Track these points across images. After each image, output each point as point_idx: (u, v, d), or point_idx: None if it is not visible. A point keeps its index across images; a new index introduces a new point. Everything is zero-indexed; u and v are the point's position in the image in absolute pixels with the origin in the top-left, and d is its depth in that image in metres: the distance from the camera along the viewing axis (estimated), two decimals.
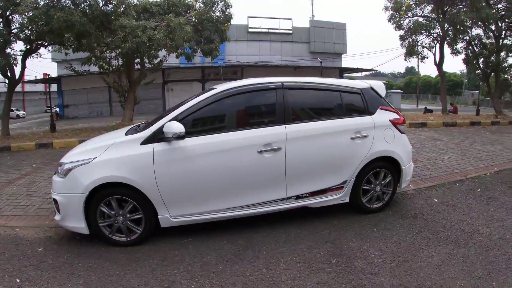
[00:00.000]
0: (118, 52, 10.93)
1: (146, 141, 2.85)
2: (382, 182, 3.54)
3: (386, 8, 14.87)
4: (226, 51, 25.02)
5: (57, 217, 2.99)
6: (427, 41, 15.17)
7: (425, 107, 20.41)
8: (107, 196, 2.82)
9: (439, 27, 14.13)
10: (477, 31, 14.09)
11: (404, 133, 3.68)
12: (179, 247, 2.92)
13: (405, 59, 15.63)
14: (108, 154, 2.84)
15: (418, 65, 36.99)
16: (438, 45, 14.73)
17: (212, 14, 11.78)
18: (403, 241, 2.95)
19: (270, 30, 28.17)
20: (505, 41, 13.67)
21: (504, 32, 13.47)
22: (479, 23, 12.84)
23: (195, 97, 3.08)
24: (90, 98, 25.54)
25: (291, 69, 24.95)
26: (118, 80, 12.21)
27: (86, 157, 2.86)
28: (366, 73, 29.34)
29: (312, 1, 34.07)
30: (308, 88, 3.36)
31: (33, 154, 7.77)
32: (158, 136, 2.83)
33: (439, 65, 14.89)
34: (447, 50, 14.72)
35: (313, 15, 32.94)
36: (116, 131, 4.18)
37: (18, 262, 2.74)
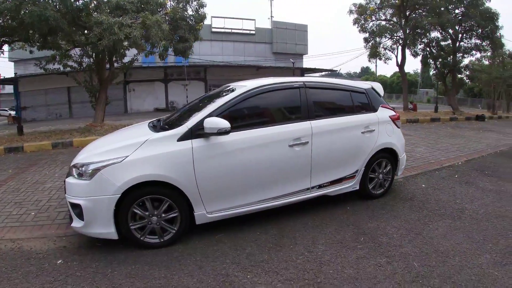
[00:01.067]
0: (88, 49, 10.36)
1: (183, 138, 2.82)
2: (384, 171, 3.99)
3: (350, 11, 15.81)
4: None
5: (76, 224, 2.74)
6: (389, 43, 16.38)
7: None
8: (142, 196, 2.70)
9: (401, 31, 15.30)
10: (434, 33, 15.52)
11: (399, 128, 4.16)
12: (215, 242, 2.93)
13: (369, 61, 16.75)
14: (142, 152, 2.72)
15: (376, 66, 39.45)
16: (400, 47, 15.96)
17: (185, 13, 11.65)
18: (410, 219, 3.41)
19: (233, 30, 28.13)
20: (461, 43, 15.18)
21: (460, 35, 14.97)
22: (438, 27, 14.16)
23: (225, 95, 3.16)
24: (48, 99, 23.42)
25: (253, 69, 25.08)
26: (89, 79, 11.55)
27: (115, 156, 2.70)
28: (324, 73, 30.55)
29: (271, 2, 34.51)
30: (325, 88, 3.68)
31: (3, 159, 7.07)
32: (196, 132, 2.85)
33: (400, 66, 16.13)
34: (407, 51, 15.97)
35: (272, 16, 33.73)
36: (130, 127, 4.10)
37: (37, 279, 2.40)
